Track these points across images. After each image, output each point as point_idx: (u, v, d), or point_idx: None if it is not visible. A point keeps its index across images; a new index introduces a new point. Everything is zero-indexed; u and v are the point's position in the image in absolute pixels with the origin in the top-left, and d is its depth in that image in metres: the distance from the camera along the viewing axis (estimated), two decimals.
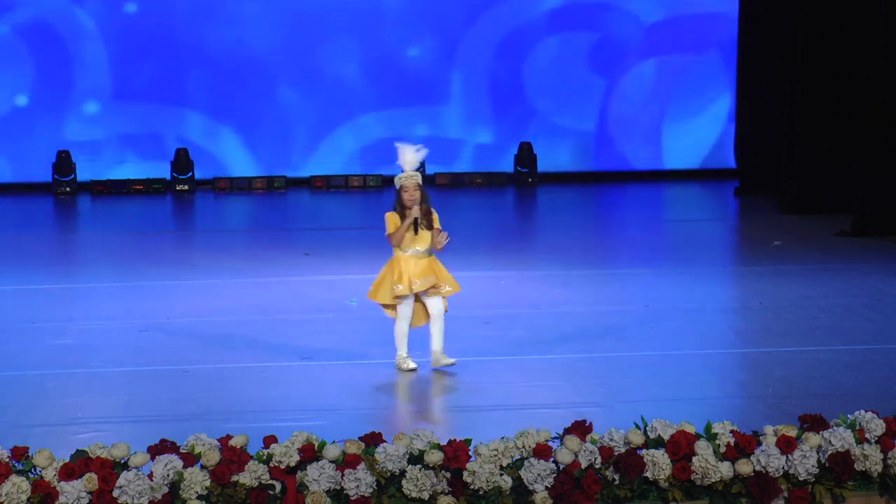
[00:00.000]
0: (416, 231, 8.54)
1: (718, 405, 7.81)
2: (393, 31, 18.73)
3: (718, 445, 6.25)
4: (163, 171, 18.48)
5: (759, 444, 6.29)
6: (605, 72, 19.02)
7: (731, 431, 6.31)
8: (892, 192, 14.06)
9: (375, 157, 18.23)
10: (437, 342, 8.70)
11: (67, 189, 18.14)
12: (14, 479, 5.91)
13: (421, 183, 8.60)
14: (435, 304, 8.68)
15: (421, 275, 8.56)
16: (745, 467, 6.20)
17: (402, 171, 8.60)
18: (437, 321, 8.68)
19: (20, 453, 6.03)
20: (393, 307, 8.69)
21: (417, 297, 8.68)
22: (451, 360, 8.73)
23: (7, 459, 5.98)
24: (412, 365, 8.65)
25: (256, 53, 18.60)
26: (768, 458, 6.21)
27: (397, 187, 8.61)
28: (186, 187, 18.30)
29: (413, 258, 8.58)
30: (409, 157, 8.61)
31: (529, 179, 18.71)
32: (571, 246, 14.04)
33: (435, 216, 8.67)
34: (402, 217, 8.57)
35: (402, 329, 8.69)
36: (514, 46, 18.88)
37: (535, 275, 12.10)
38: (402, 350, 8.68)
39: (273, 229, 15.60)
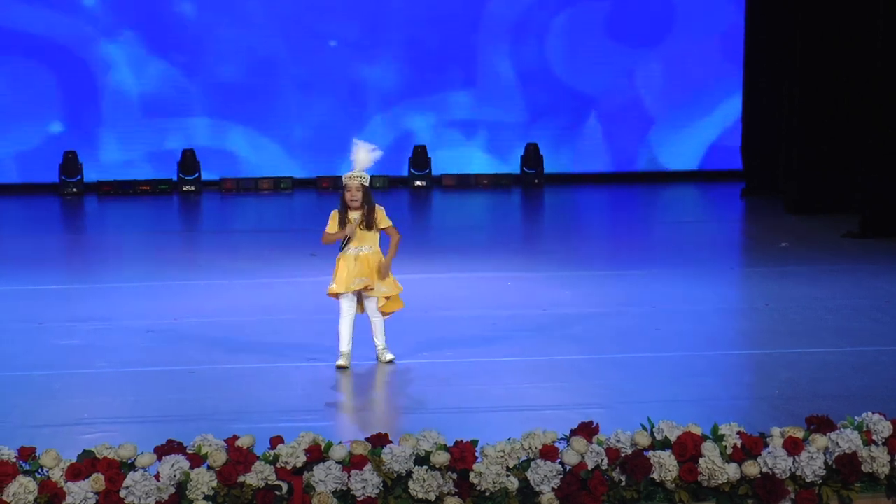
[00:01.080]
0: (341, 249, 8.61)
1: (725, 407, 7.80)
2: (401, 27, 18.76)
3: (725, 447, 6.25)
4: (169, 171, 18.50)
5: (766, 445, 6.28)
6: (611, 75, 19.03)
7: (738, 433, 6.31)
8: (891, 195, 14.06)
9: (383, 157, 18.26)
10: (378, 338, 8.81)
11: (74, 190, 18.16)
12: (21, 479, 5.92)
13: (366, 184, 8.65)
14: (370, 305, 8.74)
15: (360, 274, 8.61)
16: (751, 469, 6.20)
17: (351, 169, 8.62)
18: (375, 318, 8.78)
19: (27, 454, 6.04)
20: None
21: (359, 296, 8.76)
22: (391, 357, 8.80)
23: (14, 460, 5.99)
24: (342, 362, 8.70)
25: (263, 52, 18.60)
26: (775, 460, 6.20)
27: (342, 185, 8.65)
28: (193, 188, 18.32)
29: (354, 256, 8.63)
30: (362, 156, 8.66)
31: (536, 181, 18.71)
32: (577, 247, 14.03)
33: (380, 214, 8.67)
34: (344, 215, 8.61)
35: (343, 327, 8.72)
36: (523, 45, 18.90)
37: (540, 276, 12.10)
38: (343, 345, 8.71)
39: (279, 230, 15.60)
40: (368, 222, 8.61)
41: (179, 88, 18.54)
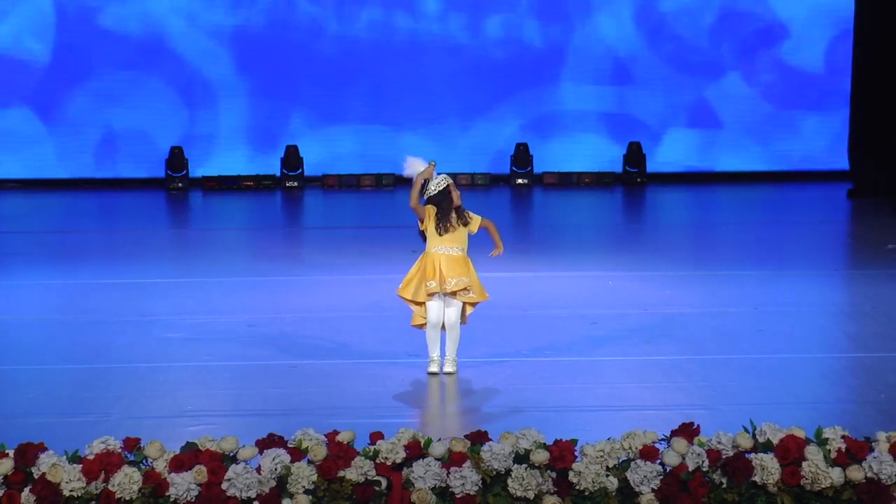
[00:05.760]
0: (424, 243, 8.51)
1: (829, 410, 7.70)
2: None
3: (829, 451, 6.16)
4: (273, 167, 18.66)
5: (872, 450, 6.18)
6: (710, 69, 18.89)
7: (843, 437, 6.22)
8: None
9: (485, 156, 18.29)
10: (450, 349, 8.60)
11: (179, 185, 18.39)
12: (126, 469, 6.00)
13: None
14: (452, 311, 8.52)
15: (455, 274, 8.45)
16: (856, 474, 6.11)
17: (434, 179, 8.53)
18: (452, 330, 8.55)
19: (132, 444, 6.12)
20: (419, 309, 8.59)
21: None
22: (453, 370, 8.61)
23: (119, 450, 6.08)
24: (433, 369, 8.58)
25: (368, 49, 18.68)
26: (880, 465, 6.11)
27: (442, 187, 8.49)
28: (296, 184, 18.46)
29: (444, 256, 8.49)
30: (419, 170, 8.60)
31: (638, 179, 18.58)
32: (678, 247, 13.94)
33: (471, 215, 8.58)
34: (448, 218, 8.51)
35: (432, 335, 8.58)
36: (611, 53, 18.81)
37: (641, 276, 12.03)
38: (433, 352, 8.60)
39: (381, 226, 15.68)
40: (464, 219, 8.55)
41: (285, 86, 18.69)
